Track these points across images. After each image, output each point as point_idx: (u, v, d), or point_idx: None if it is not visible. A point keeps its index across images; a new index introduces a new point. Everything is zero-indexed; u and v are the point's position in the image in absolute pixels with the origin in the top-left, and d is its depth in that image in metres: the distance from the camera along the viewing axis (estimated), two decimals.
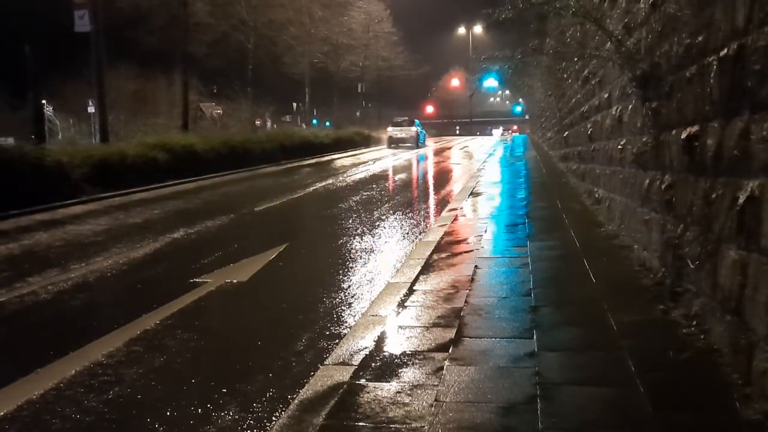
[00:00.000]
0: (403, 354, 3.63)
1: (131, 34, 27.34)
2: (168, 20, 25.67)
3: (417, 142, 36.12)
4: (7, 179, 10.99)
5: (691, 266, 3.90)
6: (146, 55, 30.09)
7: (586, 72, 10.10)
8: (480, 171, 17.71)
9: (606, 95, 7.95)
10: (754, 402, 2.78)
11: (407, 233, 8.40)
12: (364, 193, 13.43)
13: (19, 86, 21.96)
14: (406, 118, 38.60)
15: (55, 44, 23.32)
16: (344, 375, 3.36)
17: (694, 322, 3.73)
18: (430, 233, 7.82)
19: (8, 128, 25.91)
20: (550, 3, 6.99)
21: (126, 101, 33.12)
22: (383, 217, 9.86)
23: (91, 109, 29.09)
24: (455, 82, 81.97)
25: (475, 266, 5.75)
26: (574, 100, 12.68)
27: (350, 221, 9.62)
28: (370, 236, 8.24)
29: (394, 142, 35.89)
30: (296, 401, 3.13)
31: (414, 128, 36.45)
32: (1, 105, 29.27)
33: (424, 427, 2.74)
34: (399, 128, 36.41)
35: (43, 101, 21.78)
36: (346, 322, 4.66)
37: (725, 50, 3.38)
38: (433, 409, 2.91)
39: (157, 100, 34.84)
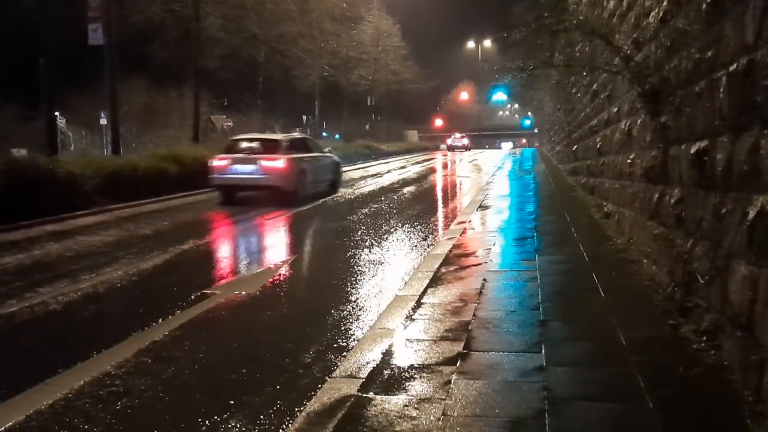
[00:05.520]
0: (411, 367, 3.62)
1: (144, 47, 27.67)
2: (180, 34, 25.95)
3: (468, 148, 58.12)
4: (20, 190, 11.10)
5: (701, 281, 3.87)
6: (158, 68, 30.42)
7: (595, 86, 10.12)
8: (489, 184, 17.71)
9: (615, 109, 7.95)
10: (766, 419, 2.75)
11: (415, 246, 8.39)
12: (373, 206, 13.45)
13: (33, 98, 22.24)
14: (459, 133, 63.05)
15: (69, 57, 23.61)
16: (352, 388, 3.35)
17: (704, 338, 3.70)
18: (439, 246, 7.81)
19: (22, 139, 26.19)
20: (562, 22, 7.03)
21: (138, 113, 33.48)
22: (392, 230, 9.87)
23: (103, 121, 29.38)
24: (464, 95, 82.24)
25: (484, 279, 5.74)
26: (583, 114, 12.69)
27: (359, 233, 9.63)
28: (378, 248, 8.25)
29: (452, 148, 56.82)
30: (304, 414, 3.13)
31: (465, 139, 60.56)
32: (16, 116, 29.63)
33: None
34: (456, 139, 59.55)
35: (57, 113, 21.98)
36: (354, 334, 4.66)
37: (735, 65, 3.39)
38: (440, 422, 2.89)
39: (168, 113, 35.16)
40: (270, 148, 14.24)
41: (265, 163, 13.73)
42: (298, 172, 14.32)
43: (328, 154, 17.43)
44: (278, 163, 13.76)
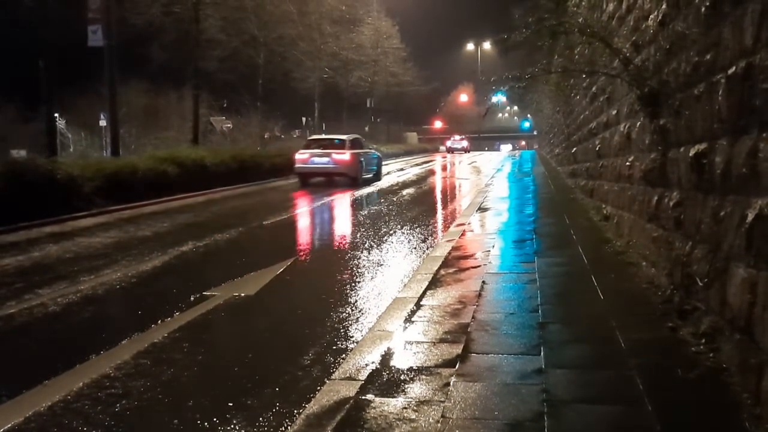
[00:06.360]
0: (410, 369, 3.62)
1: (143, 49, 27.66)
2: (180, 36, 25.93)
3: (467, 150, 58.05)
4: (19, 191, 11.09)
5: (700, 284, 3.88)
6: (158, 69, 30.44)
7: (594, 89, 10.13)
8: (488, 186, 17.72)
9: (614, 112, 7.96)
10: (765, 422, 2.75)
11: (415, 248, 8.40)
12: (372, 208, 13.46)
13: (33, 99, 22.27)
14: (458, 135, 62.66)
15: (68, 58, 23.63)
16: (351, 390, 3.35)
17: (703, 341, 3.70)
18: (438, 248, 7.81)
19: (21, 141, 26.22)
20: (561, 24, 7.05)
21: (137, 115, 33.53)
22: (391, 232, 9.87)
23: (102, 123, 29.40)
24: (464, 97, 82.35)
25: (483, 282, 5.74)
26: (582, 117, 12.71)
27: (358, 235, 9.63)
28: (377, 250, 8.25)
29: (451, 150, 56.71)
30: (303, 416, 3.13)
31: (465, 141, 60.43)
32: (15, 118, 29.66)
33: None
34: (456, 141, 59.69)
35: (56, 114, 22.00)
36: (353, 336, 4.66)
37: (733, 68, 3.40)
38: (439, 425, 2.89)
39: (167, 115, 35.20)
40: (338, 145, 19.27)
41: (336, 156, 18.79)
42: (358, 162, 19.27)
43: (374, 151, 22.86)
44: (345, 156, 18.84)
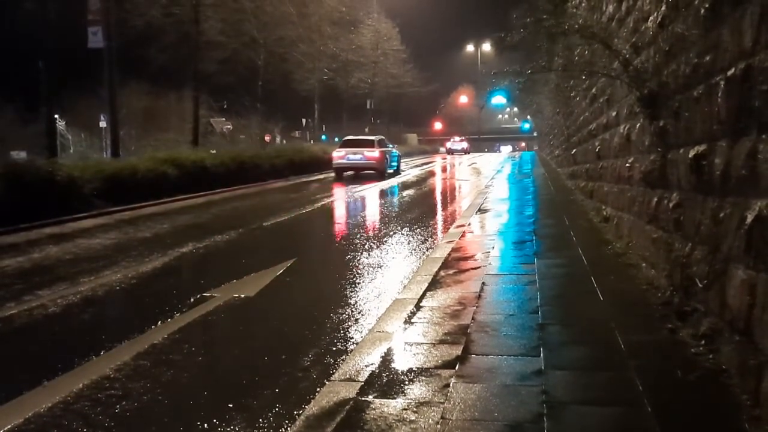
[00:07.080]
0: (410, 370, 3.62)
1: (143, 51, 27.66)
2: (179, 38, 25.95)
3: (467, 151, 58.67)
4: (19, 193, 11.10)
5: (700, 285, 3.88)
6: (158, 71, 30.43)
7: (593, 90, 10.14)
8: (488, 187, 17.72)
9: (614, 114, 7.97)
10: (764, 423, 2.75)
11: (414, 249, 8.40)
12: (372, 209, 13.47)
13: (33, 101, 22.28)
14: (458, 137, 63.21)
15: (68, 60, 23.67)
16: (351, 391, 3.36)
17: (703, 342, 3.71)
18: (438, 249, 7.82)
19: (21, 142, 26.27)
20: (560, 25, 7.06)
21: (137, 116, 33.60)
22: (390, 233, 9.87)
23: (102, 124, 29.45)
24: (463, 99, 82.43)
25: (483, 283, 5.75)
26: (582, 118, 12.71)
27: (358, 237, 9.63)
28: (377, 252, 8.25)
29: (451, 151, 57.80)
30: (303, 417, 3.13)
31: (465, 143, 61.00)
32: (15, 119, 29.70)
33: None
34: (456, 143, 60.22)
35: (56, 116, 22.04)
36: (353, 338, 4.66)
37: (732, 70, 3.40)
38: (439, 426, 2.90)
39: (167, 116, 35.26)
40: (368, 144, 23.46)
41: (367, 153, 22.79)
42: (385, 159, 23.27)
43: (394, 149, 26.89)
44: (375, 153, 22.86)
